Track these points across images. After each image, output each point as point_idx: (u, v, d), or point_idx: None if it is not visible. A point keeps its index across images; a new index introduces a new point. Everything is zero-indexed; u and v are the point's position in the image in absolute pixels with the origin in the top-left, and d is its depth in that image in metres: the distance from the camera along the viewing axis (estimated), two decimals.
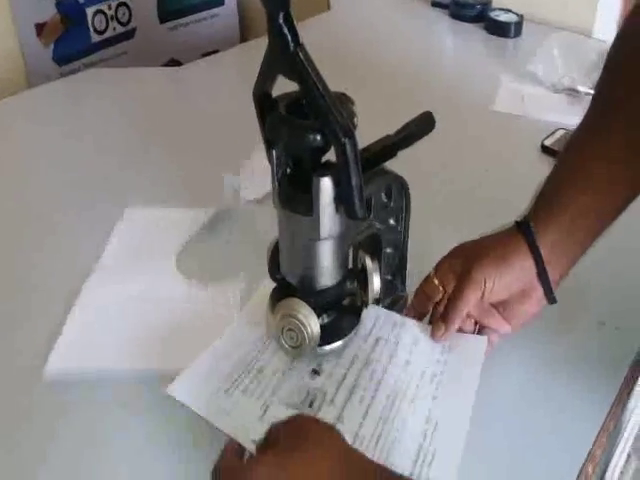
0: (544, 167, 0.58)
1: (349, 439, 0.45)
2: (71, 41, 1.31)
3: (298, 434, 0.40)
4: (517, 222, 0.54)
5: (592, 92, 0.96)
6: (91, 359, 0.58)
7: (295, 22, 0.38)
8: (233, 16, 1.61)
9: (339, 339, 0.52)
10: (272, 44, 0.39)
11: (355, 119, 0.42)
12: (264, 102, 0.44)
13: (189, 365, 0.52)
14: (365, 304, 0.54)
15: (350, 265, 0.53)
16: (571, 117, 0.89)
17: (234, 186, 0.77)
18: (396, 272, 0.58)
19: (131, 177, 0.84)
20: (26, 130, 0.96)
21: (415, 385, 0.51)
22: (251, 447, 0.43)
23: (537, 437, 0.52)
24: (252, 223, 0.74)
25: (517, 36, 1.21)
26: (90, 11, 1.32)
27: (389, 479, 0.39)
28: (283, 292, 0.51)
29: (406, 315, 0.57)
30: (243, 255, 0.68)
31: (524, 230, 0.53)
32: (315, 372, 0.52)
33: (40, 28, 1.26)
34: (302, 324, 0.48)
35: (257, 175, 0.75)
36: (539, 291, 0.53)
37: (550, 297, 0.53)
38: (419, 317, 0.57)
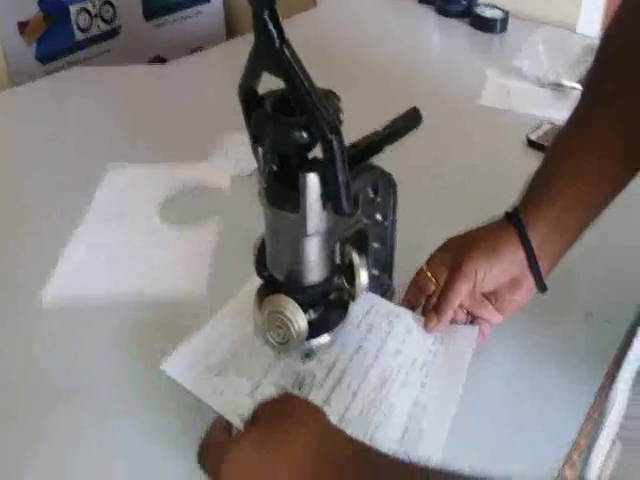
0: (530, 161, 0.59)
1: (335, 420, 0.46)
2: (54, 39, 1.30)
3: (283, 412, 0.41)
4: (507, 214, 0.55)
5: (577, 86, 0.98)
6: (84, 288, 0.66)
7: (281, 19, 0.38)
8: (219, 13, 1.60)
9: (326, 333, 0.52)
10: (258, 41, 0.39)
11: (341, 115, 0.42)
12: (250, 99, 0.44)
13: (182, 344, 0.53)
14: (352, 298, 0.54)
15: (337, 260, 0.53)
16: (556, 111, 0.91)
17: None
18: (383, 267, 0.58)
19: None
20: (8, 129, 0.95)
21: (405, 372, 0.52)
22: (238, 423, 0.44)
23: (523, 426, 0.53)
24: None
25: (503, 32, 1.22)
26: (74, 9, 1.31)
27: (374, 457, 0.40)
28: (270, 288, 0.51)
29: None
30: (220, 200, 0.76)
31: (514, 221, 0.53)
32: (307, 355, 0.52)
33: (23, 26, 1.25)
34: (289, 320, 0.48)
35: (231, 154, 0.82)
36: (530, 281, 0.53)
37: (541, 286, 0.54)
38: (412, 309, 0.57)
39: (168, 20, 1.51)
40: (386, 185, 0.52)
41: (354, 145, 0.48)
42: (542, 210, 0.53)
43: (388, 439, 0.47)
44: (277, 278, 0.51)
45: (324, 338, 0.52)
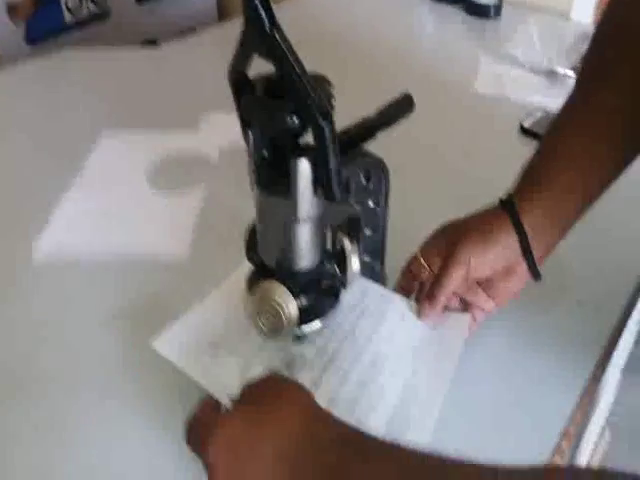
0: (523, 148, 0.59)
1: (324, 403, 0.46)
2: (43, 21, 1.28)
3: (270, 392, 0.42)
4: (501, 200, 0.54)
5: (570, 74, 0.97)
6: (73, 246, 0.69)
7: (271, 2, 0.37)
8: None
9: (317, 320, 0.52)
10: (247, 24, 0.39)
11: (332, 100, 0.41)
12: (240, 82, 0.43)
13: (175, 322, 0.53)
14: (344, 285, 0.54)
15: (329, 247, 0.53)
16: (550, 99, 0.91)
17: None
18: (375, 253, 0.58)
19: None
20: None
21: (396, 357, 0.52)
22: (227, 402, 0.44)
23: (514, 413, 0.53)
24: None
25: (497, 17, 1.21)
26: None
27: (361, 440, 0.39)
28: (261, 274, 0.51)
29: None
30: (207, 170, 0.78)
31: (508, 208, 0.53)
32: (298, 338, 0.52)
33: (11, 7, 1.23)
34: (279, 306, 0.48)
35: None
36: (523, 268, 0.53)
37: (535, 273, 0.54)
38: (406, 296, 0.57)
39: (160, 2, 1.49)
40: (378, 171, 0.52)
41: (345, 131, 0.47)
42: (536, 197, 0.53)
43: (377, 423, 0.47)
44: (268, 264, 0.50)
45: (315, 324, 0.52)
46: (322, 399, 0.46)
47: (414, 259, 0.56)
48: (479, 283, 0.55)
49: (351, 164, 0.48)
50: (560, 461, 0.49)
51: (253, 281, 0.52)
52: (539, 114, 0.88)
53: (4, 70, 1.06)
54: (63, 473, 0.50)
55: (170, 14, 1.50)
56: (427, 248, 0.56)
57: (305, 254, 0.49)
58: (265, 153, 0.46)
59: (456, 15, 1.23)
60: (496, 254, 0.53)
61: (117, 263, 0.66)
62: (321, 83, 0.42)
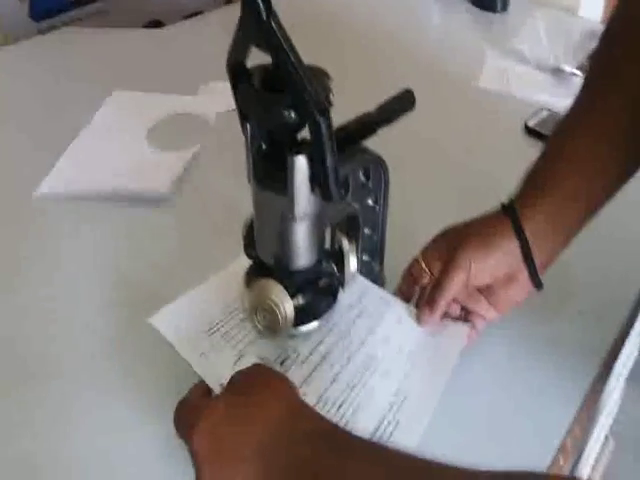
0: (527, 148, 0.57)
1: (313, 400, 0.47)
2: None
3: (257, 382, 0.42)
4: (503, 205, 0.53)
5: (577, 72, 0.96)
6: (74, 185, 0.76)
7: None
8: None
9: (315, 320, 0.51)
10: (244, 13, 0.37)
11: (331, 95, 0.40)
12: (238, 72, 0.42)
13: (174, 301, 0.53)
14: (342, 285, 0.53)
15: (327, 245, 0.52)
16: (556, 98, 0.89)
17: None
18: (374, 253, 0.57)
19: None
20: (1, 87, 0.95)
21: (389, 360, 0.51)
22: (218, 390, 0.45)
23: (513, 422, 0.52)
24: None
25: (503, 11, 1.19)
26: None
27: (341, 437, 0.39)
28: (258, 271, 0.50)
29: None
30: (204, 130, 0.83)
31: (510, 213, 0.52)
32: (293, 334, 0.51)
33: None
34: (276, 305, 0.47)
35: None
36: (525, 275, 0.52)
37: (536, 281, 0.52)
38: (406, 300, 0.56)
39: None
40: (378, 169, 0.51)
41: (344, 127, 0.46)
42: (538, 203, 0.51)
43: (364, 425, 0.47)
44: (265, 261, 0.49)
45: (312, 325, 0.51)
46: (311, 396, 0.47)
47: (415, 262, 0.55)
48: (480, 290, 0.54)
49: (350, 161, 0.47)
50: (559, 472, 0.48)
51: (251, 276, 0.51)
52: (544, 113, 0.87)
53: (6, 46, 1.06)
54: (53, 459, 0.50)
55: None
56: (428, 252, 0.55)
57: (302, 253, 0.48)
58: (263, 146, 0.45)
59: (462, 6, 1.21)
60: (497, 260, 0.52)
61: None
62: (320, 77, 0.41)
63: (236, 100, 0.43)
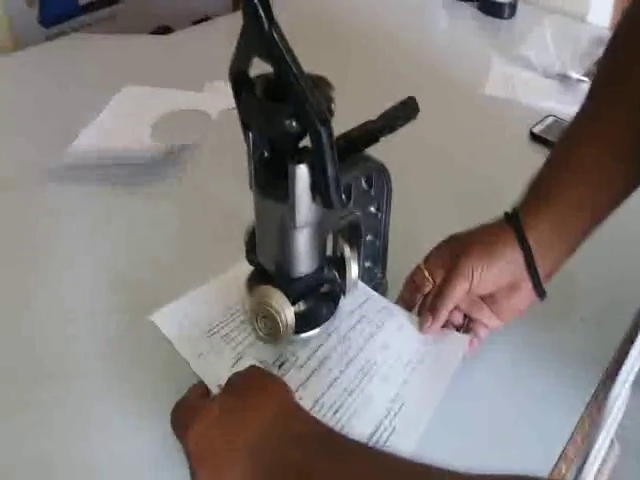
0: (532, 155, 0.57)
1: (309, 404, 0.47)
2: (57, 3, 1.27)
3: (253, 385, 0.43)
4: (506, 214, 0.53)
5: (584, 79, 0.95)
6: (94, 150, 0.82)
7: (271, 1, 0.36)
8: None
9: (316, 327, 0.51)
10: (246, 22, 0.37)
11: (332, 105, 0.40)
12: (240, 81, 0.42)
13: (175, 300, 0.53)
14: (343, 292, 0.53)
15: (329, 252, 0.52)
16: (562, 105, 0.89)
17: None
18: (376, 259, 0.57)
19: None
20: (9, 93, 0.96)
21: (388, 367, 0.51)
22: (216, 391, 0.46)
23: (516, 428, 0.52)
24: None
25: (511, 17, 1.19)
26: None
27: (334, 441, 0.39)
28: (260, 277, 0.50)
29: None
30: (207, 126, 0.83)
31: (513, 222, 0.52)
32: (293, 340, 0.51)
33: None
34: (276, 312, 0.47)
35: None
36: (528, 285, 0.52)
37: (539, 290, 0.52)
38: (408, 308, 0.56)
39: None
40: (380, 176, 0.51)
41: (347, 135, 0.46)
42: (542, 212, 0.51)
43: (361, 430, 0.47)
44: (266, 268, 0.49)
45: (313, 333, 0.51)
46: (307, 400, 0.47)
47: (418, 270, 0.55)
48: (483, 299, 0.54)
49: (352, 169, 0.47)
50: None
51: (253, 281, 0.51)
52: (550, 120, 0.86)
53: (16, 52, 1.07)
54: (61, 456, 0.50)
55: (184, 1, 1.49)
56: (431, 260, 0.55)
57: (304, 260, 0.48)
58: (265, 154, 0.45)
59: (470, 12, 1.21)
60: (500, 268, 0.51)
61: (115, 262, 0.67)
62: (321, 86, 0.41)
63: (238, 109, 0.44)
